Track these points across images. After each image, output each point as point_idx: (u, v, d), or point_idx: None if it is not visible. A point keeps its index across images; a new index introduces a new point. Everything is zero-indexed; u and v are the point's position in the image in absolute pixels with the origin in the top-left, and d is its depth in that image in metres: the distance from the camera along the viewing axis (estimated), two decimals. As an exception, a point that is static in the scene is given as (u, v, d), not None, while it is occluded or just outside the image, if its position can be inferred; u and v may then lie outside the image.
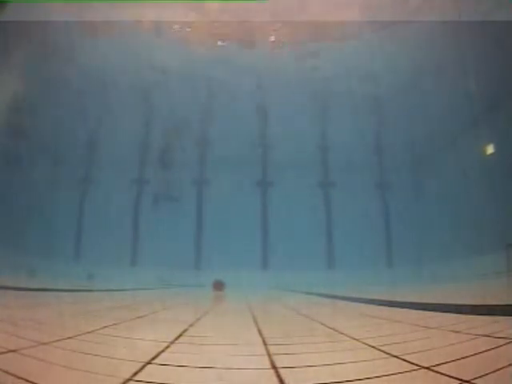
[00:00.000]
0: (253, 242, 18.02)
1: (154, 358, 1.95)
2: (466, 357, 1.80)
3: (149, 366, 1.82)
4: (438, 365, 1.69)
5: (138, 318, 3.99)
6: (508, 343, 1.99)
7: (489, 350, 1.90)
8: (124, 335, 2.71)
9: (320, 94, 18.59)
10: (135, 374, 1.66)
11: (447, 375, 1.55)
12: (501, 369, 1.57)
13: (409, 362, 1.80)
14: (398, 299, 5.52)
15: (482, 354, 1.84)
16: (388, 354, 2.01)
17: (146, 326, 3.47)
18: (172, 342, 2.44)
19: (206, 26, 17.30)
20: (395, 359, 1.89)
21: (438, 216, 16.05)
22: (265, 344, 2.44)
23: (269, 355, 2.08)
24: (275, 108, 18.73)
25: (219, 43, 17.96)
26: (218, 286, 12.14)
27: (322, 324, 3.51)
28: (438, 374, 1.58)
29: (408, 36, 15.86)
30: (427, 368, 1.67)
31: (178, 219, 18.04)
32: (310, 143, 18.86)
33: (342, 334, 2.82)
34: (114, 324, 3.20)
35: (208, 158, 19.26)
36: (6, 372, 1.54)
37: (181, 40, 17.61)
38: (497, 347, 1.93)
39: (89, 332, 2.65)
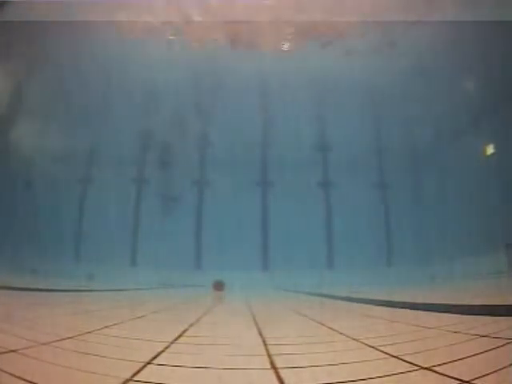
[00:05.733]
0: (253, 242, 18.02)
1: (154, 358, 1.95)
2: (466, 357, 1.80)
3: (149, 366, 1.82)
4: (438, 365, 1.69)
5: (138, 317, 3.99)
6: (508, 343, 1.99)
7: (489, 350, 1.90)
8: (124, 335, 2.71)
9: (320, 94, 18.59)
10: (135, 374, 1.66)
11: (447, 375, 1.55)
12: (501, 369, 1.57)
13: (409, 362, 1.80)
14: (398, 299, 5.52)
15: (482, 354, 1.84)
16: (388, 354, 2.01)
17: (146, 326, 3.47)
18: (172, 342, 2.44)
19: (206, 26, 17.29)
20: (395, 359, 1.89)
21: (438, 216, 16.05)
22: (265, 344, 2.44)
23: (268, 355, 2.08)
24: (276, 108, 18.72)
25: (219, 43, 17.95)
26: (218, 286, 12.15)
27: (322, 324, 3.51)
28: (438, 374, 1.58)
29: (408, 36, 15.87)
30: (427, 368, 1.67)
31: (178, 219, 18.04)
32: (310, 143, 18.86)
33: (341, 334, 2.82)
34: (114, 324, 3.20)
35: (208, 158, 19.26)
36: (6, 372, 1.54)
37: (181, 40, 17.60)
38: (497, 347, 1.93)
39: (89, 332, 2.65)
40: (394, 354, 1.97)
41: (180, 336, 2.71)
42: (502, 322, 2.67)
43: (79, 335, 2.51)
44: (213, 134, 19.06)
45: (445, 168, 16.31)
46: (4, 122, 15.32)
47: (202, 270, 17.24)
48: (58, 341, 2.25)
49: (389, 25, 15.88)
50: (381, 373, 1.64)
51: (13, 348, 1.95)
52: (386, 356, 1.97)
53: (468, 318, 3.04)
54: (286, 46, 17.89)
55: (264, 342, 2.53)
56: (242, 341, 2.68)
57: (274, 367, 1.81)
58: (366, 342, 2.39)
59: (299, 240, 17.29)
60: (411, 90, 16.34)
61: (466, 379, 1.47)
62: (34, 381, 1.48)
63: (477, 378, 1.47)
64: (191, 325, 3.40)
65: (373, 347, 2.21)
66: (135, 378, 1.59)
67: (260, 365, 1.88)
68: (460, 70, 14.54)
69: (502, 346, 1.96)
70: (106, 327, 2.95)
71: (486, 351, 1.88)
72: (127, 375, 1.62)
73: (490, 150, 14.19)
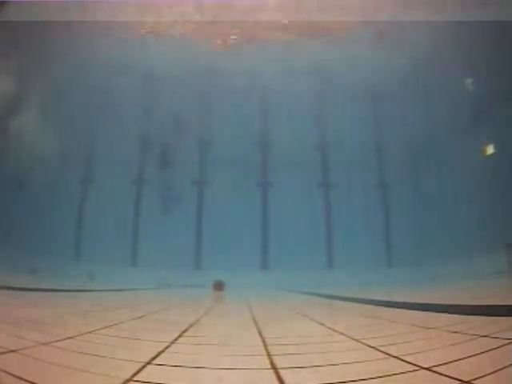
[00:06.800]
0: (253, 242, 18.02)
1: (153, 359, 1.95)
2: (466, 357, 1.80)
3: (149, 366, 1.82)
4: (437, 365, 1.69)
5: (138, 318, 3.99)
6: (508, 343, 1.99)
7: (489, 350, 1.90)
8: (124, 335, 2.71)
9: (320, 94, 18.60)
10: (135, 374, 1.66)
11: (447, 375, 1.55)
12: (501, 369, 1.57)
13: (409, 362, 1.80)
14: (398, 299, 5.51)
15: (482, 354, 1.83)
16: (388, 354, 2.01)
17: (145, 326, 3.47)
18: (172, 342, 2.44)
19: (205, 26, 17.29)
20: (395, 359, 1.89)
21: (438, 216, 16.05)
22: (264, 344, 2.44)
23: (268, 355, 2.08)
24: (275, 108, 18.73)
25: (219, 43, 17.95)
26: (218, 286, 12.14)
27: (322, 324, 3.51)
28: (438, 374, 1.58)
29: (408, 35, 15.87)
30: (427, 368, 1.67)
31: (178, 219, 18.04)
32: (310, 143, 18.86)
33: (341, 334, 2.82)
34: (114, 324, 3.20)
35: (208, 158, 19.26)
36: (6, 372, 1.54)
37: (181, 40, 17.60)
38: (497, 347, 1.93)
39: (89, 332, 2.65)
40: (395, 354, 1.97)
41: (180, 336, 2.71)
42: (502, 322, 2.67)
43: (79, 335, 2.51)
44: (213, 134, 19.06)
45: (445, 168, 16.31)
46: (4, 121, 15.32)
47: (202, 270, 17.24)
48: (58, 341, 2.25)
49: (389, 24, 15.88)
50: (381, 373, 1.64)
51: (13, 348, 1.95)
52: (387, 356, 1.97)
53: (468, 318, 3.04)
54: (285, 46, 17.89)
55: (264, 342, 2.53)
56: (241, 341, 2.69)
57: (274, 367, 1.81)
58: (367, 342, 2.38)
59: (299, 240, 17.28)
60: (411, 90, 16.35)
61: (466, 379, 1.47)
62: (34, 381, 1.48)
63: (477, 378, 1.47)
64: (191, 325, 3.40)
65: (373, 347, 2.21)
66: (135, 378, 1.59)
67: (260, 365, 1.88)
68: (460, 69, 14.54)
69: (502, 346, 1.96)
70: (106, 327, 2.95)
71: (486, 351, 1.88)
72: (127, 375, 1.62)
73: (490, 150, 14.18)
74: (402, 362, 1.82)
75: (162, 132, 18.62)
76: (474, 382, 1.45)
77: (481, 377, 1.49)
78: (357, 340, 2.48)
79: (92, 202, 17.74)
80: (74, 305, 5.61)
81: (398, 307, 4.56)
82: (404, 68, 16.16)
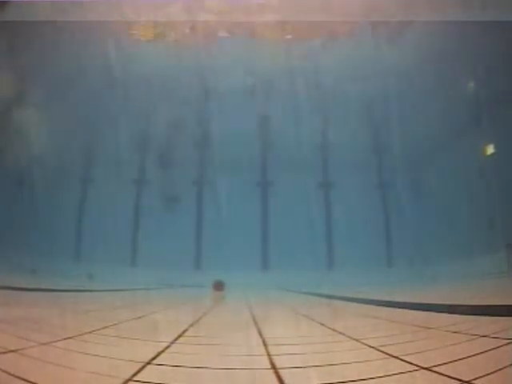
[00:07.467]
0: (253, 242, 18.02)
1: (153, 359, 1.95)
2: (466, 357, 1.79)
3: (148, 366, 1.82)
4: (438, 365, 1.69)
5: (138, 318, 3.99)
6: (508, 343, 1.99)
7: (489, 350, 1.90)
8: (124, 335, 2.71)
9: (320, 94, 18.59)
10: (135, 374, 1.65)
11: (447, 375, 1.55)
12: (501, 369, 1.57)
13: (409, 362, 1.80)
14: (398, 299, 5.51)
15: (482, 354, 1.83)
16: (388, 354, 2.00)
17: (145, 326, 3.47)
18: (172, 343, 2.44)
19: (205, 25, 17.28)
20: (395, 359, 1.89)
21: (438, 216, 16.05)
22: (264, 344, 2.44)
23: (268, 355, 2.08)
24: (276, 108, 18.73)
25: (219, 43, 17.93)
26: (218, 286, 12.15)
27: (322, 324, 3.51)
28: (438, 374, 1.58)
29: (408, 35, 15.86)
30: (427, 368, 1.67)
31: (178, 219, 18.04)
32: (309, 143, 18.86)
33: (341, 334, 2.82)
34: (114, 324, 3.20)
35: (208, 158, 19.27)
36: (6, 372, 1.54)
37: (181, 40, 17.59)
38: (497, 347, 1.93)
39: (89, 332, 2.65)
40: (395, 354, 1.97)
41: (180, 336, 2.71)
42: (502, 322, 2.67)
43: (79, 335, 2.51)
44: (213, 134, 19.06)
45: (445, 168, 16.31)
46: (4, 122, 15.32)
47: (202, 270, 17.24)
48: (58, 341, 2.25)
49: (389, 24, 15.88)
50: (381, 373, 1.64)
51: (13, 348, 1.95)
52: (387, 356, 1.97)
53: (468, 318, 3.04)
54: (286, 46, 17.88)
55: (264, 342, 2.53)
56: (241, 341, 2.68)
57: (274, 367, 1.81)
58: (367, 342, 2.38)
59: (299, 240, 17.28)
60: (411, 90, 16.35)
61: (466, 379, 1.47)
62: (34, 381, 1.48)
63: (477, 378, 1.47)
64: (191, 325, 3.40)
65: (373, 347, 2.20)
66: (135, 378, 1.59)
67: (260, 365, 1.88)
68: (460, 69, 14.53)
69: (501, 346, 1.96)
70: (106, 327, 2.95)
71: (485, 351, 1.88)
72: (127, 375, 1.61)
73: (490, 149, 14.19)
74: (402, 362, 1.82)
75: (162, 132, 18.62)
76: (473, 381, 1.45)
77: (481, 377, 1.49)
78: (357, 340, 2.48)
79: (92, 201, 17.74)
80: (74, 305, 5.61)
81: (398, 307, 4.56)
82: (404, 68, 16.15)
